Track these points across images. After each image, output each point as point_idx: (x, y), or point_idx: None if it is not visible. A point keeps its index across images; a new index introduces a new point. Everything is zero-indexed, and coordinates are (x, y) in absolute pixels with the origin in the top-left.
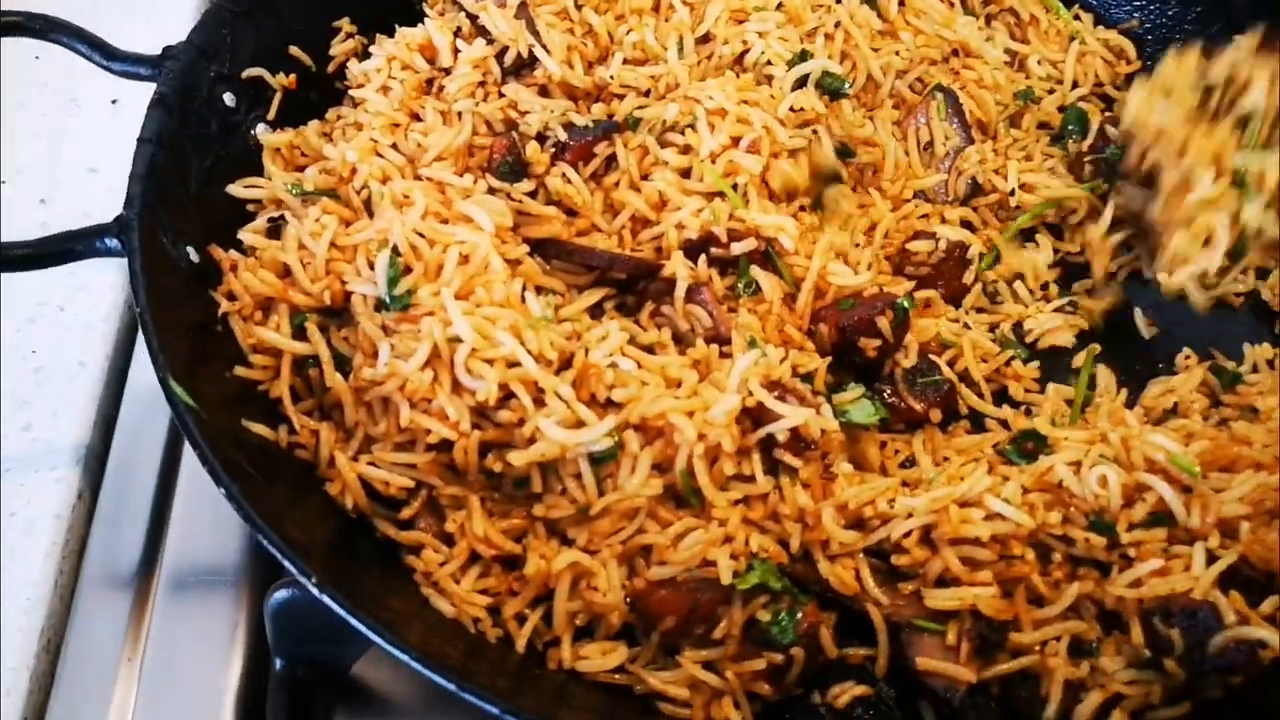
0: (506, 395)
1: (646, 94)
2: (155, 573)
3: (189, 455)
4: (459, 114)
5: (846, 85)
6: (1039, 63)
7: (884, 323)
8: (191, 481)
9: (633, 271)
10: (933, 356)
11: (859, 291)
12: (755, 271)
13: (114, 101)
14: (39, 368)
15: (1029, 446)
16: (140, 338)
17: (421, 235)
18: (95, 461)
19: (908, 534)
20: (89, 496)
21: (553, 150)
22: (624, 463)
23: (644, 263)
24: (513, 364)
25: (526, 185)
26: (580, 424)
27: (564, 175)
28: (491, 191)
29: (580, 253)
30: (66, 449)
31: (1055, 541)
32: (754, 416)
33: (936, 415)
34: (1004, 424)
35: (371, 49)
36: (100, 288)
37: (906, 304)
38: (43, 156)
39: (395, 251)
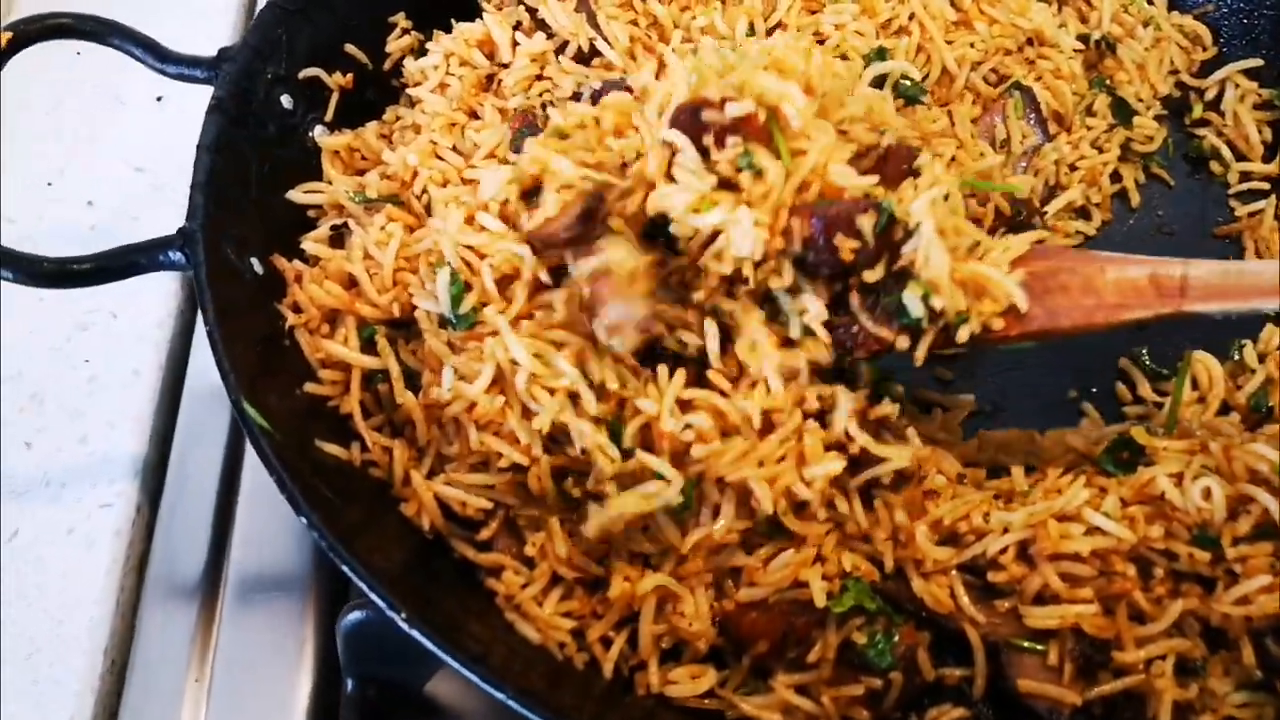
0: None
1: None
2: (220, 587)
3: (250, 464)
4: (515, 109)
5: (924, 95)
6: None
7: (865, 222)
8: (254, 492)
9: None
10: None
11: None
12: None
13: (159, 99)
14: (92, 377)
15: (1125, 456)
16: (195, 344)
17: (470, 248)
18: (153, 474)
19: (1004, 550)
20: (148, 510)
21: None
22: (704, 510)
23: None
24: (573, 394)
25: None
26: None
27: None
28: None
29: None
30: (124, 461)
31: (1157, 556)
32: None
33: (903, 342)
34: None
35: (429, 45)
36: (152, 294)
37: (892, 206)
38: (87, 156)
39: (453, 269)
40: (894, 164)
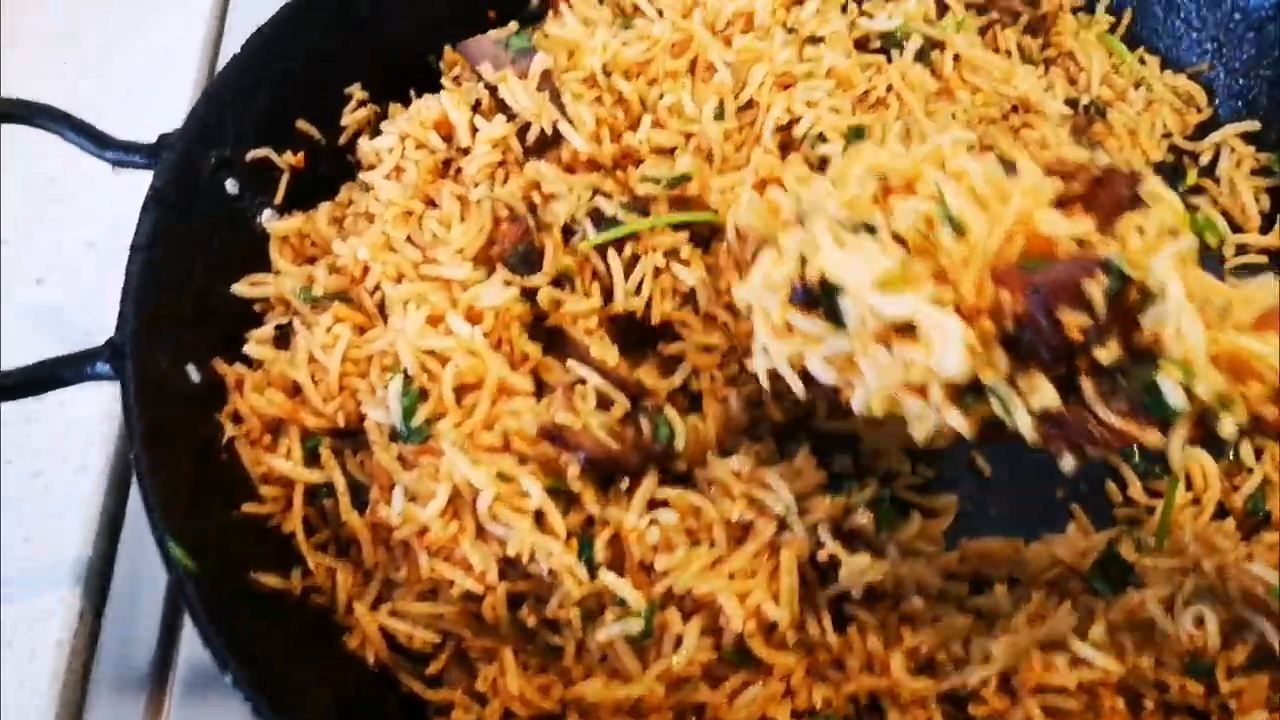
0: None
1: (673, 152)
2: (168, 684)
3: None
4: (477, 201)
5: None
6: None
7: (1095, 290)
8: None
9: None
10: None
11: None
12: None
13: (114, 168)
14: (38, 472)
15: (1113, 572)
16: None
17: (432, 353)
18: (98, 576)
19: (985, 681)
20: (92, 617)
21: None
22: (666, 640)
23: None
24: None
25: (541, 278)
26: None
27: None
28: (506, 284)
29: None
30: (67, 564)
31: (1147, 688)
32: (819, 565)
33: (1154, 437)
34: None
35: (383, 125)
36: (100, 384)
37: (1123, 264)
38: (38, 230)
39: (407, 375)
40: (1110, 193)
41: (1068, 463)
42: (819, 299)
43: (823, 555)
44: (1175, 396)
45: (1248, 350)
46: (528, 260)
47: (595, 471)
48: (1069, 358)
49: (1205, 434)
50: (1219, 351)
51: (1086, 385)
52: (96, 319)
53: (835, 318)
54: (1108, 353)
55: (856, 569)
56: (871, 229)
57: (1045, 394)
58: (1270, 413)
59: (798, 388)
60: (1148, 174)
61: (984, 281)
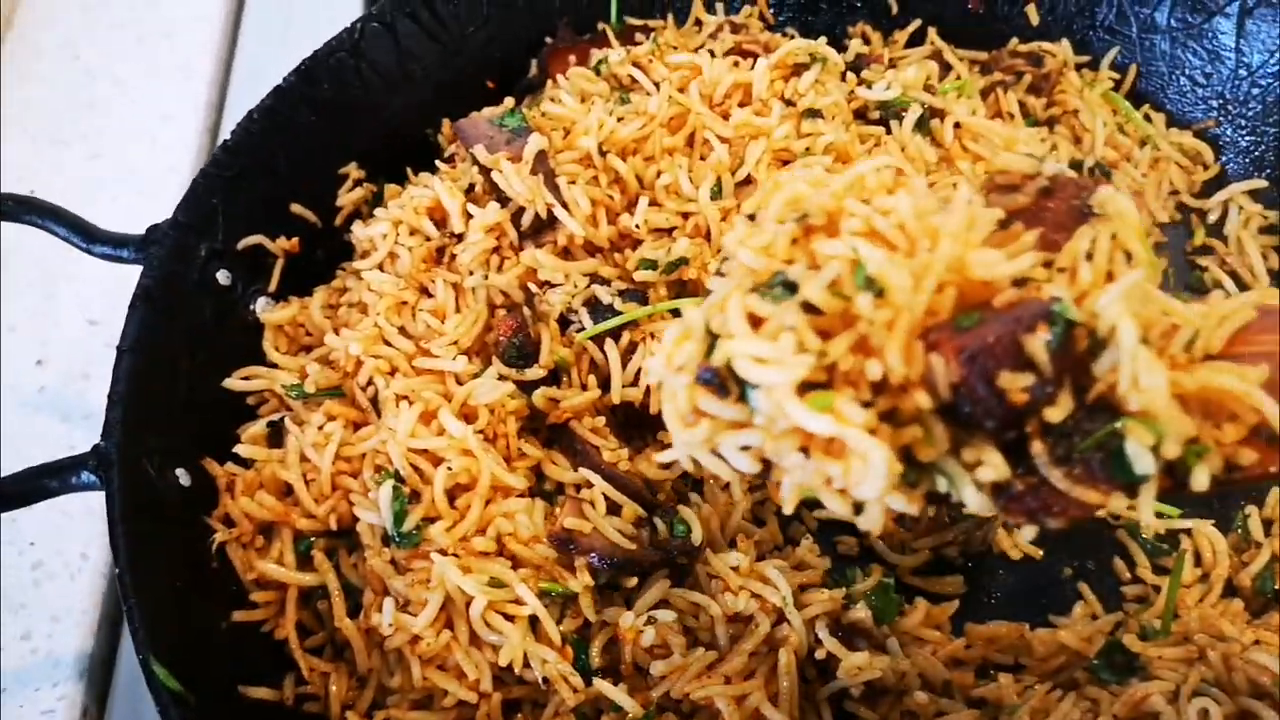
0: None
1: (670, 232)
2: None
3: None
4: (472, 290)
5: None
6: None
7: (1036, 346)
8: None
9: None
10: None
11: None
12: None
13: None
14: (37, 563)
15: (1119, 661)
16: None
17: (424, 453)
18: (101, 670)
19: None
20: (95, 712)
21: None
22: None
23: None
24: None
25: (538, 371)
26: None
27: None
28: (501, 378)
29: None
30: (69, 659)
31: None
32: (818, 662)
33: (1119, 502)
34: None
35: (376, 212)
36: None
37: (1066, 310)
38: (39, 310)
39: (398, 478)
40: (1059, 205)
41: (1028, 533)
42: (728, 385)
43: (820, 653)
44: (1141, 461)
45: (1220, 388)
46: (523, 353)
47: (612, 572)
48: (1017, 422)
49: (1175, 485)
50: (1186, 391)
51: (1038, 450)
52: (96, 400)
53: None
54: (1058, 410)
55: (853, 666)
56: (791, 286)
57: (993, 465)
58: (1248, 457)
59: (723, 472)
60: (1100, 181)
61: (912, 349)
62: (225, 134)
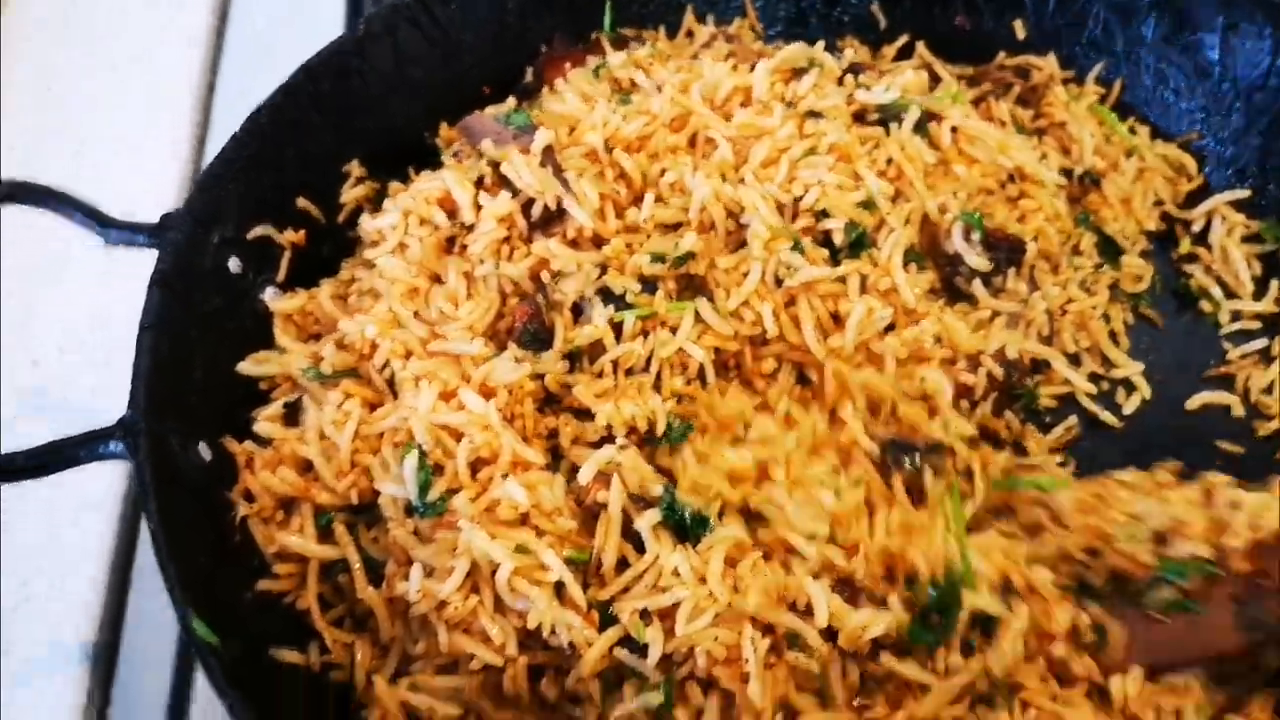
0: None
1: (676, 227)
2: None
3: None
4: (483, 278)
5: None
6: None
7: None
8: None
9: None
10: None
11: None
12: None
13: (107, 249)
14: (40, 552)
15: None
16: None
17: (446, 428)
18: (105, 657)
19: None
20: (99, 696)
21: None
22: (684, 712)
23: None
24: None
25: (552, 355)
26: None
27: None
28: (517, 362)
29: None
30: (74, 645)
31: None
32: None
33: None
34: None
35: (386, 203)
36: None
37: None
38: (33, 310)
39: (422, 451)
40: None
41: None
42: None
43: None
44: None
45: None
46: (538, 339)
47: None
48: None
49: None
50: None
51: None
52: (96, 400)
53: None
54: None
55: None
56: None
57: None
58: None
59: None
60: None
61: None
62: (216, 125)
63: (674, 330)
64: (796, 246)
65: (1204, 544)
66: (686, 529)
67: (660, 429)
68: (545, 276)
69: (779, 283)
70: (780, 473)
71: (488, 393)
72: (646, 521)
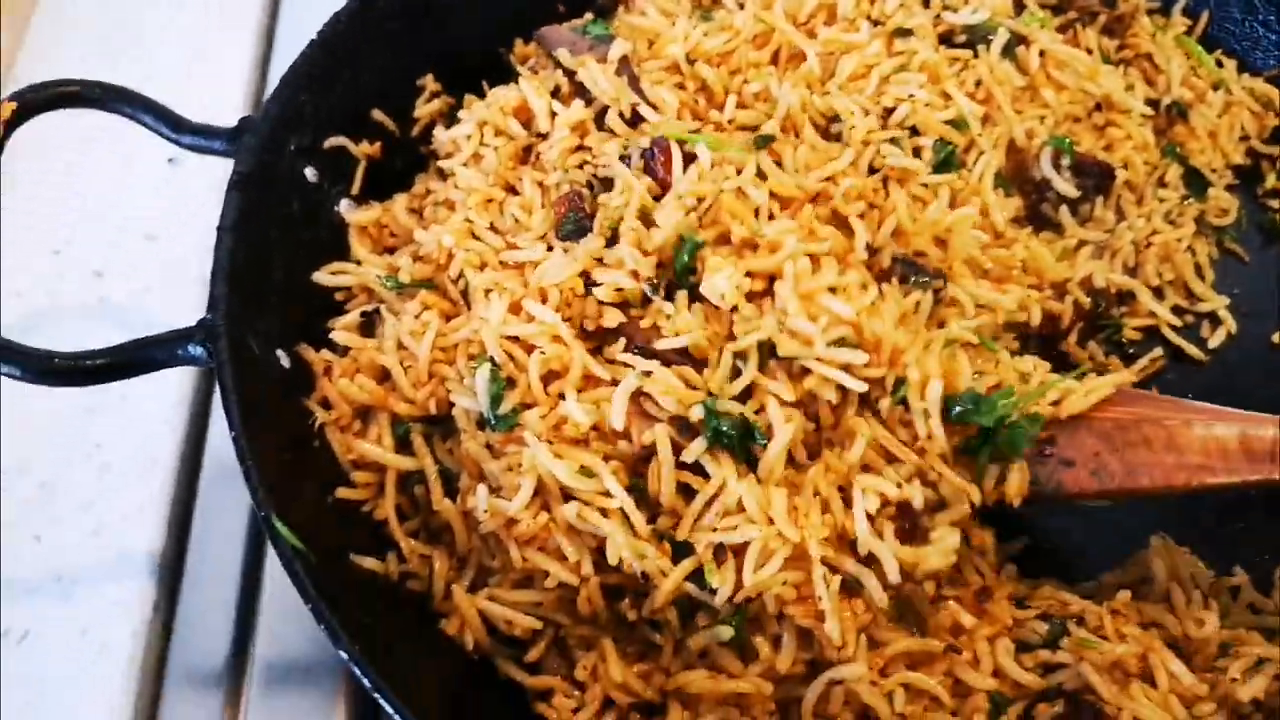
0: None
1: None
2: (244, 682)
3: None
4: (555, 186)
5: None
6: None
7: None
8: (279, 578)
9: None
10: None
11: None
12: None
13: (170, 160)
14: (104, 465)
15: None
16: (212, 426)
17: (516, 340)
18: (171, 567)
19: None
20: (165, 607)
21: (642, 164)
22: (763, 640)
23: None
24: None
25: (593, 239)
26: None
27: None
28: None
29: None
30: (139, 555)
31: None
32: None
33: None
34: None
35: (460, 114)
36: (165, 374)
37: None
38: (95, 223)
39: (494, 364)
40: None
41: None
42: None
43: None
44: None
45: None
46: (579, 228)
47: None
48: None
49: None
50: None
51: None
52: (156, 312)
53: None
54: None
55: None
56: None
57: None
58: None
59: None
60: None
61: None
62: (282, 40)
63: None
64: (894, 141)
65: None
66: (735, 445)
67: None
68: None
69: (872, 171)
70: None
71: (543, 296)
72: (694, 452)
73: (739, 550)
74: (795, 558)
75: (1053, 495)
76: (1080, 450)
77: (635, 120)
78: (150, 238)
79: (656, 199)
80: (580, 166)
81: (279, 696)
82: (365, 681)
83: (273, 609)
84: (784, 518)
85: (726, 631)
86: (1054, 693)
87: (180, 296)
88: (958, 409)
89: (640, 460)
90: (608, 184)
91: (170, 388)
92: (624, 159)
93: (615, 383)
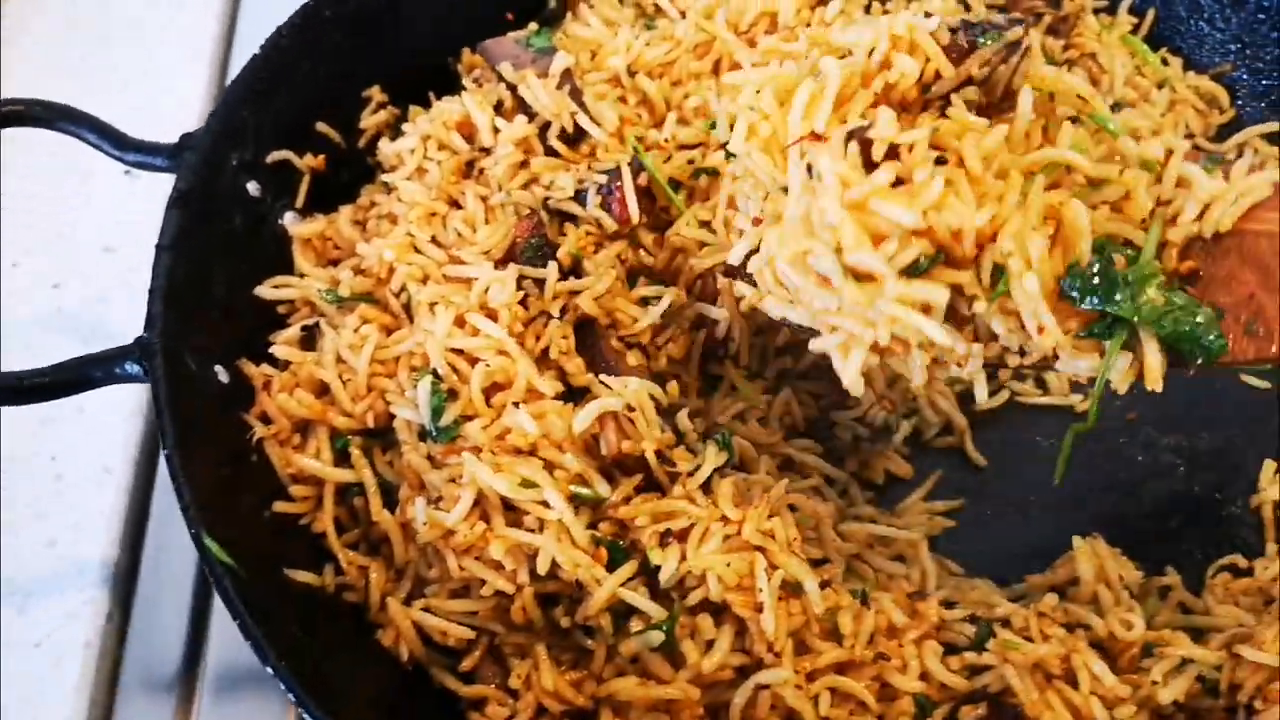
0: None
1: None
2: (197, 688)
3: None
4: (502, 205)
5: None
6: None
7: None
8: None
9: None
10: None
11: None
12: None
13: (127, 172)
14: (59, 475)
15: None
16: None
17: (461, 353)
18: (125, 577)
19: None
20: (119, 617)
21: (599, 199)
22: (692, 645)
23: None
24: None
25: (555, 266)
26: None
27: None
28: (521, 280)
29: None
30: (93, 566)
31: None
32: None
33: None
34: None
35: (405, 127)
36: (120, 385)
37: None
38: (53, 235)
39: (436, 376)
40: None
41: None
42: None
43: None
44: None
45: None
46: (542, 253)
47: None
48: None
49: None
50: None
51: None
52: (114, 324)
53: None
54: None
55: None
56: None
57: None
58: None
59: None
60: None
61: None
62: (238, 52)
63: None
64: None
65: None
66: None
67: None
68: (538, 190)
69: None
70: None
71: (491, 316)
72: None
73: (682, 535)
74: (737, 546)
75: (1200, 367)
76: (1231, 289)
77: (578, 134)
78: (108, 249)
79: (615, 236)
80: (525, 186)
81: (231, 704)
82: (290, 696)
83: (225, 619)
84: (728, 501)
85: (657, 637)
86: (978, 695)
87: (139, 308)
88: (1076, 289)
89: (612, 465)
90: (566, 215)
91: (125, 399)
92: (580, 194)
93: (559, 397)
